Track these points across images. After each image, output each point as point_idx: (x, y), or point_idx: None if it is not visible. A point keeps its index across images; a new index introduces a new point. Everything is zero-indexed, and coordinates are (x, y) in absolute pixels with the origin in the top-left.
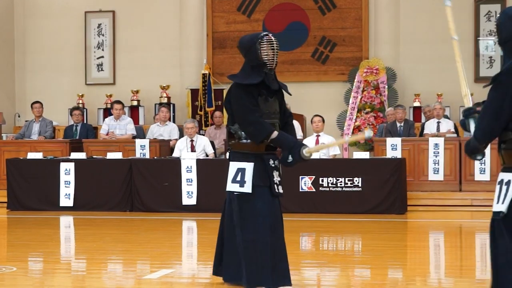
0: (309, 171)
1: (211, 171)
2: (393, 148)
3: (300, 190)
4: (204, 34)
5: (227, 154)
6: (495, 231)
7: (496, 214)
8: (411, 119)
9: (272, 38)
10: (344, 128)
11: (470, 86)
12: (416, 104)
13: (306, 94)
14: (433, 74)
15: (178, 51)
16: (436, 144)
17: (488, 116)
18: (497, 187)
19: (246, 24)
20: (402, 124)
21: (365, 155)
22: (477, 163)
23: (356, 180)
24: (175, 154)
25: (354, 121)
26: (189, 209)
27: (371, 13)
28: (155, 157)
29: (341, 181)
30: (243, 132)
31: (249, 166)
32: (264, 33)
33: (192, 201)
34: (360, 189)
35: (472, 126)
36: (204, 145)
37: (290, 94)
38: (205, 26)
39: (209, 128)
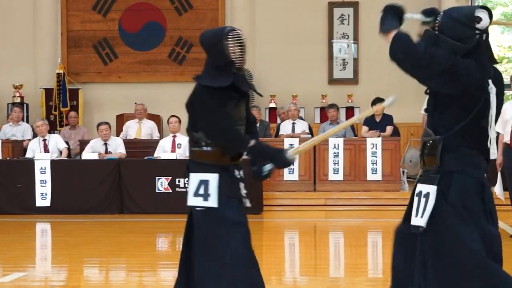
0: (165, 171)
1: (65, 172)
2: None
3: (157, 190)
4: (58, 33)
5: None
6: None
7: (415, 228)
8: (267, 120)
9: (240, 32)
10: None
11: (324, 88)
12: (272, 105)
13: (163, 94)
14: (289, 75)
15: (31, 49)
16: (291, 144)
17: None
18: (416, 198)
19: (101, 24)
20: (258, 125)
21: None
22: (330, 163)
23: None
24: (28, 155)
25: None
26: (43, 211)
27: (227, 14)
28: (8, 158)
29: None
30: (208, 141)
31: (213, 177)
32: (230, 27)
33: (46, 202)
34: None
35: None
36: (56, 142)
37: (261, 95)
38: (60, 25)
39: (64, 129)
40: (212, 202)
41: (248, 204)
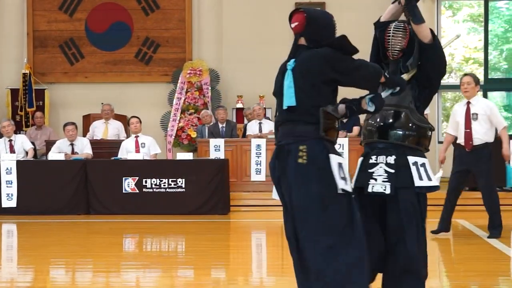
0: (132, 172)
1: (31, 173)
2: (216, 149)
3: (124, 191)
4: (24, 33)
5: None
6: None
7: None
8: (234, 120)
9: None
10: (168, 129)
11: None
12: (239, 105)
13: (129, 94)
14: (256, 75)
15: None
16: (258, 145)
17: None
18: (413, 167)
19: (68, 24)
20: (224, 125)
21: (188, 156)
22: None
23: (179, 181)
24: None
25: (178, 122)
26: (9, 211)
27: (194, 14)
28: None
29: (164, 182)
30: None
31: (343, 160)
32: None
33: (12, 203)
34: (183, 190)
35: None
36: (22, 142)
37: None
38: (25, 24)
39: (30, 129)
40: (348, 186)
41: None
